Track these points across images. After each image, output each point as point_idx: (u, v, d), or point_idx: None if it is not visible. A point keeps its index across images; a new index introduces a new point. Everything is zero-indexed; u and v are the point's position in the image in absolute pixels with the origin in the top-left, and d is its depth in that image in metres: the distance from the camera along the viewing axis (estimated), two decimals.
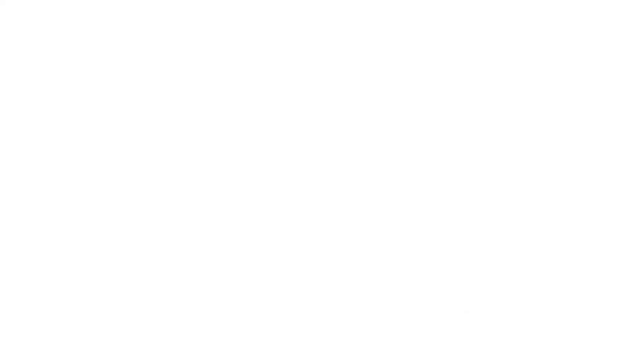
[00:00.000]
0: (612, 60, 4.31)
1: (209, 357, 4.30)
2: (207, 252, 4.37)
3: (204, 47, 4.43)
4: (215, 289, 4.35)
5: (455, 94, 4.36)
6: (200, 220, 4.38)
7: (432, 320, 4.27)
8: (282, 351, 4.30)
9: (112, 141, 4.43)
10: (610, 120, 4.30)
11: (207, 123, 4.42)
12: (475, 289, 4.29)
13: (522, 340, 4.23)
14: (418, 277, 4.31)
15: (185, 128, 4.42)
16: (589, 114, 4.31)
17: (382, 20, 4.40)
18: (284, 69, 4.42)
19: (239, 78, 4.43)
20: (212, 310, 4.34)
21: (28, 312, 4.36)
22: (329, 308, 4.31)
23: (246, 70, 4.42)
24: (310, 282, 4.33)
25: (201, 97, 4.43)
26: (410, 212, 4.34)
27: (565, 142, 4.31)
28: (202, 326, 4.33)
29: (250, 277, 4.36)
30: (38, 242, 4.39)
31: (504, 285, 4.27)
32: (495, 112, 4.35)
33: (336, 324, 4.30)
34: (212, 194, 4.39)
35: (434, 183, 4.34)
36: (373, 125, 4.38)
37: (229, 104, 4.42)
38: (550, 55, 4.34)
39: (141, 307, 4.35)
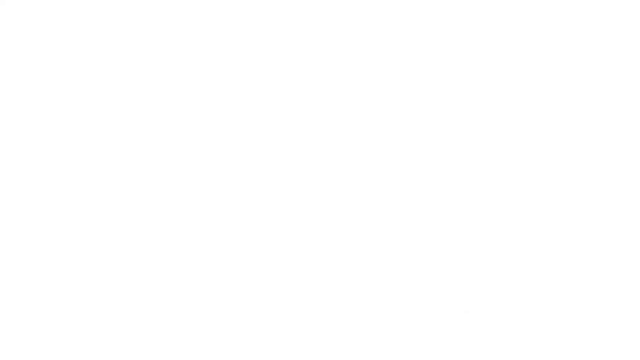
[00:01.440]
0: (612, 60, 4.32)
1: (209, 357, 4.30)
2: (207, 251, 4.37)
3: (204, 47, 4.44)
4: (215, 289, 4.35)
5: (456, 94, 4.37)
6: (200, 219, 4.38)
7: (432, 320, 4.27)
8: (282, 351, 4.30)
9: (112, 141, 4.43)
10: (610, 120, 4.31)
11: (207, 123, 4.42)
12: (475, 289, 4.29)
13: (522, 340, 4.23)
14: (418, 277, 4.31)
15: (185, 128, 4.42)
16: (589, 114, 4.32)
17: (382, 20, 4.40)
18: (284, 69, 4.42)
19: (239, 78, 4.43)
20: (212, 310, 4.34)
21: (28, 312, 4.36)
22: (329, 308, 4.31)
23: (246, 70, 4.43)
24: (310, 282, 4.33)
25: (201, 97, 4.43)
26: (410, 212, 4.34)
27: (565, 142, 4.32)
28: (202, 326, 4.33)
29: (250, 277, 4.36)
30: (38, 241, 4.39)
31: (504, 285, 4.27)
32: (495, 112, 4.35)
33: (336, 324, 4.30)
34: (212, 193, 4.39)
35: (434, 183, 4.34)
36: (373, 125, 4.38)
37: (229, 104, 4.43)
38: (550, 55, 4.34)
39: (141, 307, 4.35)
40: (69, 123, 4.44)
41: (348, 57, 4.40)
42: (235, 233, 4.37)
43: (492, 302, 4.27)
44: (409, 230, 4.33)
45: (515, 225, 4.30)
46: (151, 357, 4.31)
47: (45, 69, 4.45)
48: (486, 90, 4.36)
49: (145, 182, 4.40)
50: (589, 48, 4.33)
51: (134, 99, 4.44)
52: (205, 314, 4.34)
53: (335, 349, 4.28)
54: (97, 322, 4.35)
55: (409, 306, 4.29)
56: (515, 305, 4.26)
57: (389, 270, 4.32)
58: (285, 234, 4.36)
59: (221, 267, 4.36)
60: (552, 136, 4.32)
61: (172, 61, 4.44)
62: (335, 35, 4.41)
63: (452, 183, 4.34)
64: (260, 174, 4.39)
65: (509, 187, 4.32)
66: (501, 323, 4.25)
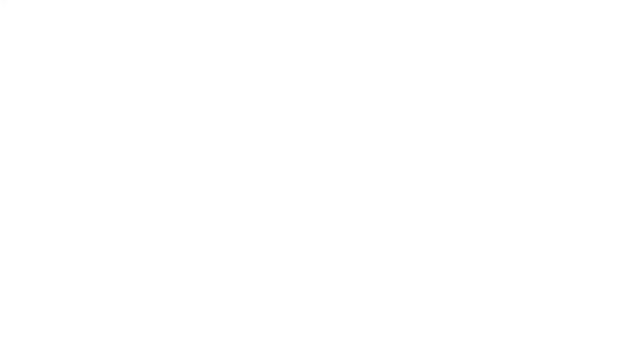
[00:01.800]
0: (612, 60, 4.32)
1: (209, 357, 4.30)
2: (207, 252, 4.37)
3: (204, 47, 4.44)
4: (215, 289, 4.35)
5: (455, 94, 4.37)
6: (200, 220, 4.38)
7: (432, 320, 4.27)
8: (282, 351, 4.30)
9: (112, 141, 4.43)
10: (610, 120, 4.31)
11: (207, 123, 4.42)
12: (475, 289, 4.29)
13: (522, 340, 4.23)
14: (418, 278, 4.31)
15: (185, 128, 4.42)
16: (589, 114, 4.32)
17: (382, 20, 4.40)
18: (284, 69, 4.42)
19: (239, 78, 4.43)
20: (212, 310, 4.34)
21: (28, 312, 4.36)
22: (329, 308, 4.32)
23: (246, 70, 4.43)
24: (310, 282, 4.33)
25: (201, 97, 4.43)
26: (410, 212, 4.34)
27: (565, 142, 4.32)
28: (202, 326, 4.33)
29: (250, 277, 4.36)
30: (38, 242, 4.40)
31: (504, 285, 4.28)
32: (495, 112, 4.35)
33: (336, 324, 4.30)
34: (212, 194, 4.39)
35: (433, 183, 4.34)
36: (373, 126, 4.38)
37: (229, 104, 4.43)
38: (550, 55, 4.34)
39: (141, 307, 4.35)
40: (69, 123, 4.44)
41: (348, 57, 4.40)
42: (235, 233, 4.38)
43: (492, 303, 4.27)
44: (409, 230, 4.33)
45: (514, 225, 4.30)
46: (151, 357, 4.31)
47: (45, 69, 4.45)
48: (486, 90, 4.36)
49: (145, 182, 4.41)
50: (589, 48, 4.33)
51: (134, 99, 4.44)
52: (205, 313, 4.34)
53: (335, 349, 4.29)
54: (97, 321, 4.36)
55: (409, 306, 4.29)
56: (515, 305, 4.26)
57: (389, 271, 4.32)
58: (285, 234, 4.36)
59: (221, 266, 4.36)
60: (552, 136, 4.32)
61: (172, 61, 4.44)
62: (335, 35, 4.41)
63: (452, 183, 4.34)
64: (260, 173, 4.39)
65: (509, 187, 4.32)
66: (501, 323, 4.25)
